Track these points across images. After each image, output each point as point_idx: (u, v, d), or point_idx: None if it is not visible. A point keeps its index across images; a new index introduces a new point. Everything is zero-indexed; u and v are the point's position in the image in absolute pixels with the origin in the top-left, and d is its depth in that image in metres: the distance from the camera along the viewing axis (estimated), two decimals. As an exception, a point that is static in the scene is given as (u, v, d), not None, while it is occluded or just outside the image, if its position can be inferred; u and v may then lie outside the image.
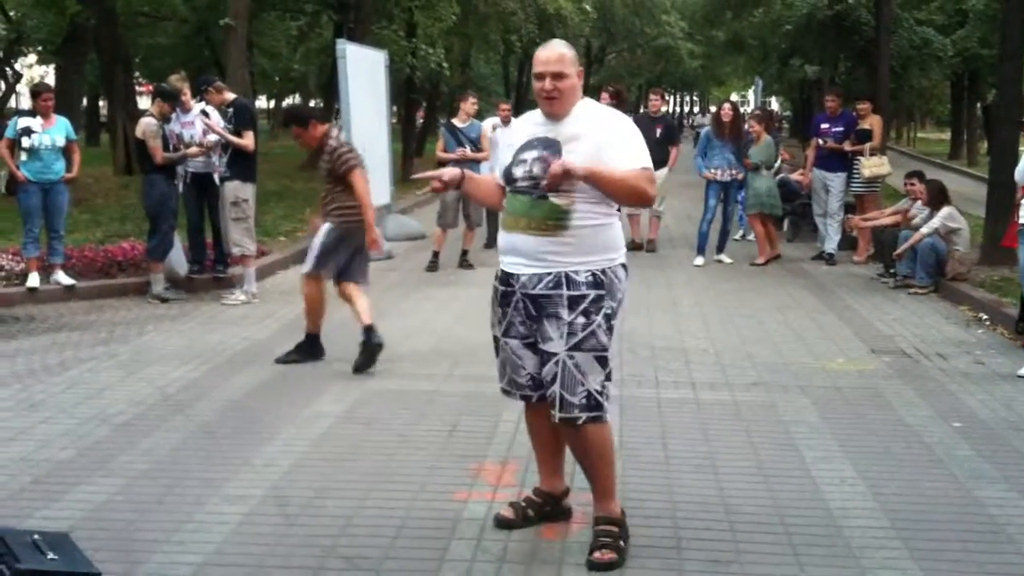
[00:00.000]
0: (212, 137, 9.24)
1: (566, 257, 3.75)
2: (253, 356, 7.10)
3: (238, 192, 9.04)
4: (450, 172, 4.11)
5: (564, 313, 3.75)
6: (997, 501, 4.52)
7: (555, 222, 3.75)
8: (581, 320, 3.74)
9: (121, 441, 5.24)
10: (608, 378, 3.85)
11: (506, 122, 12.09)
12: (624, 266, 3.92)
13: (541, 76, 3.80)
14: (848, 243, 12.33)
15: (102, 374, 6.59)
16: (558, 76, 3.78)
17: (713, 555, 3.92)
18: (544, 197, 3.75)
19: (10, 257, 9.58)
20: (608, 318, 3.80)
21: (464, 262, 11.25)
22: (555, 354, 3.76)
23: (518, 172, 3.85)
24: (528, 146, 3.86)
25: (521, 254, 3.82)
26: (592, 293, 3.77)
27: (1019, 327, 7.71)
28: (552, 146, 3.79)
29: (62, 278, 9.15)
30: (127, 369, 6.72)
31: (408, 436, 5.36)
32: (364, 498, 4.47)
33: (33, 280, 8.97)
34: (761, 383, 6.49)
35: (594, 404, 3.78)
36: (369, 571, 3.76)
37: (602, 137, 3.77)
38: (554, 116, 3.84)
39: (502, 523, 4.13)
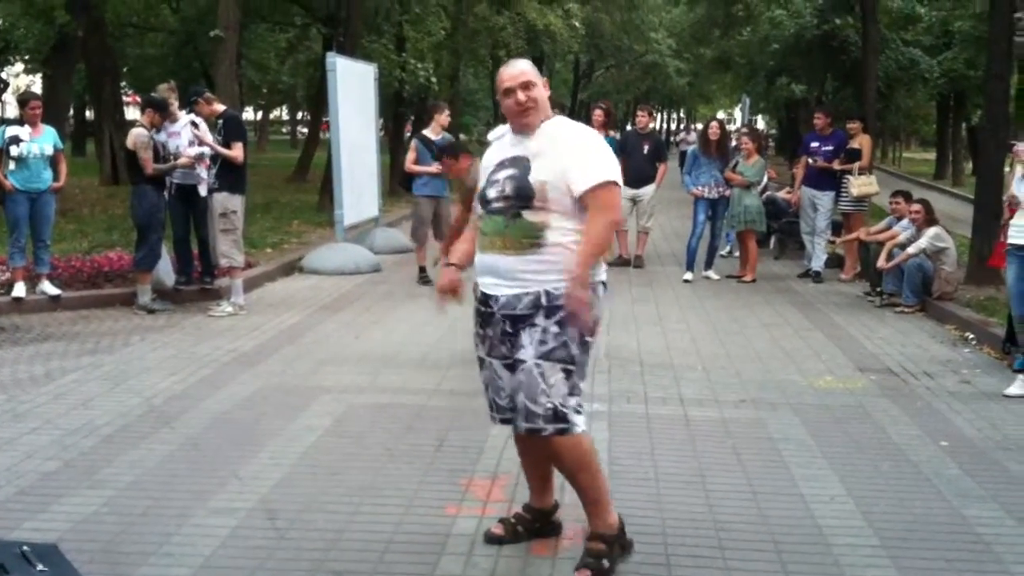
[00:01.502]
0: (198, 149, 9.22)
1: (544, 275, 3.71)
2: (240, 368, 7.07)
3: (226, 204, 9.02)
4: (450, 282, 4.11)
5: (539, 320, 3.72)
6: (984, 520, 4.53)
7: (531, 240, 3.72)
8: (554, 329, 3.70)
9: (107, 452, 5.21)
10: (572, 393, 3.76)
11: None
12: (604, 283, 3.88)
13: (511, 91, 3.80)
14: (835, 261, 12.39)
15: (88, 385, 6.55)
16: (527, 86, 3.78)
17: (702, 572, 3.92)
18: (518, 215, 3.73)
19: (-4, 266, 9.53)
20: (582, 333, 3.75)
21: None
22: (524, 362, 3.73)
23: (491, 193, 3.82)
24: (500, 166, 3.86)
25: (499, 275, 3.78)
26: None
27: (1006, 346, 7.75)
28: (520, 163, 3.78)
29: (48, 288, 9.11)
30: (113, 380, 6.69)
31: (397, 450, 5.34)
32: (353, 512, 4.45)
33: (19, 290, 8.92)
34: (749, 400, 6.50)
35: (561, 416, 3.72)
36: (358, 585, 3.74)
37: (562, 153, 3.74)
38: (529, 129, 3.82)
39: (492, 539, 4.11)
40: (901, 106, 28.66)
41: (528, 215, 3.71)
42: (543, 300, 3.70)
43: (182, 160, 9.23)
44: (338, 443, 5.45)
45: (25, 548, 3.24)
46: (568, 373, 3.74)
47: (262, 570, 3.85)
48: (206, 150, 9.22)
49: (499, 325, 3.80)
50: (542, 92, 3.83)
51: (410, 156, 11.24)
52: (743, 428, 5.87)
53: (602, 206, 3.71)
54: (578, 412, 3.78)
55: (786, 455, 5.38)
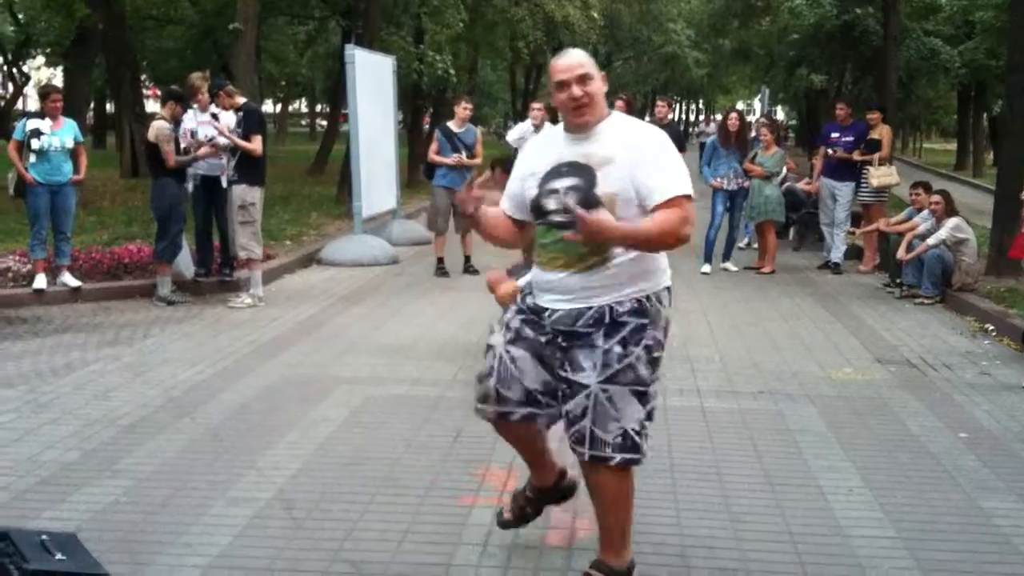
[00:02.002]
0: (221, 139, 9.26)
1: (610, 292, 3.38)
2: (258, 360, 7.10)
3: (245, 196, 9.06)
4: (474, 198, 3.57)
5: (599, 341, 3.37)
6: (1003, 512, 4.51)
7: (598, 258, 3.36)
8: (618, 350, 3.35)
9: (127, 443, 5.25)
10: (650, 417, 3.45)
11: (539, 128, 10.95)
12: (668, 288, 3.55)
13: (565, 84, 3.38)
14: (854, 253, 12.34)
15: (108, 376, 6.60)
16: (584, 80, 3.38)
17: (719, 563, 3.91)
18: None
19: (17, 258, 9.60)
20: (649, 350, 3.40)
21: (468, 268, 11.25)
22: (586, 386, 3.36)
23: (550, 204, 3.42)
24: (556, 173, 3.43)
25: (559, 292, 3.44)
26: (633, 322, 3.38)
27: (1026, 338, 7.70)
28: (584, 173, 3.36)
29: (69, 280, 9.17)
30: (133, 371, 6.73)
31: (413, 441, 5.36)
32: (370, 502, 4.47)
33: (40, 281, 8.99)
34: (767, 392, 6.49)
35: (630, 444, 3.38)
36: None
37: (636, 158, 3.33)
38: (584, 128, 3.42)
39: (505, 525, 4.01)
40: (922, 96, 28.48)
41: None
42: (606, 318, 3.38)
43: (202, 150, 9.26)
44: (355, 434, 5.47)
45: (44, 537, 3.26)
46: (640, 396, 3.40)
47: (279, 560, 3.87)
48: (221, 139, 9.25)
49: (546, 333, 3.49)
50: (600, 87, 3.43)
51: (432, 147, 11.40)
52: (760, 419, 5.86)
53: (681, 216, 3.29)
54: (647, 440, 3.46)
55: (804, 446, 5.37)
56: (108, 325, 8.23)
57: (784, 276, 11.50)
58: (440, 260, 11.18)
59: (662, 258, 3.51)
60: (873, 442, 5.49)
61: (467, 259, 11.29)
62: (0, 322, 8.21)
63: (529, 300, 3.58)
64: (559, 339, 3.46)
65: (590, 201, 3.29)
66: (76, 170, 9.19)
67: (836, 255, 11.92)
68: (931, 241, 9.87)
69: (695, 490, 4.70)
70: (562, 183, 3.40)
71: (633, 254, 3.37)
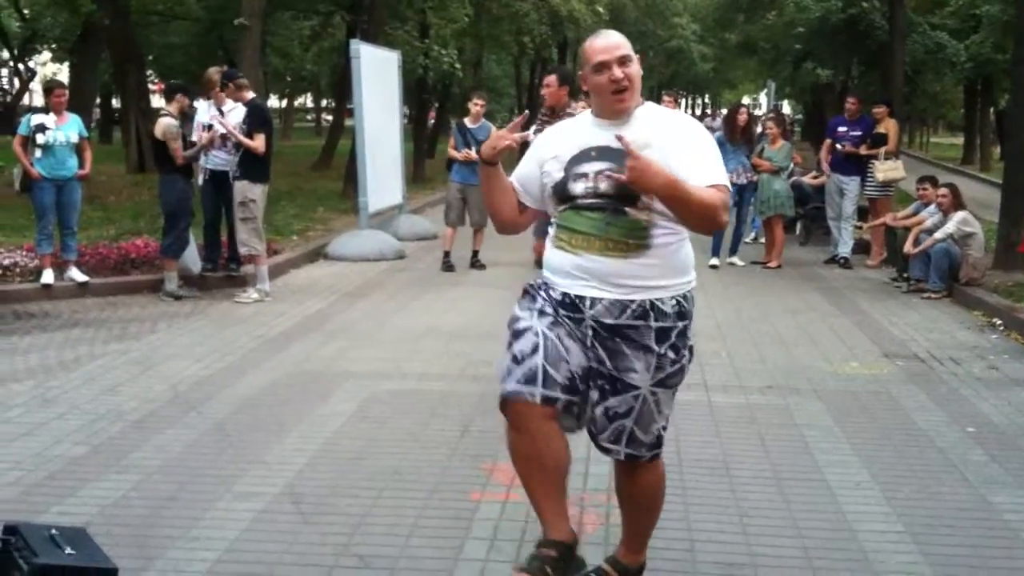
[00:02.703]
0: (214, 123, 9.27)
1: (651, 280, 3.21)
2: (265, 354, 7.11)
3: (246, 192, 9.05)
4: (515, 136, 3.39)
5: (653, 344, 3.23)
6: (1011, 506, 4.50)
7: (637, 240, 3.19)
8: (671, 355, 3.26)
9: (135, 438, 5.26)
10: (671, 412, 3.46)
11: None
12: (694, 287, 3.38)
13: (605, 66, 3.18)
14: (861, 247, 12.32)
15: (116, 371, 6.61)
16: (625, 61, 3.20)
17: (726, 558, 3.91)
18: (622, 212, 3.18)
19: (24, 254, 9.61)
20: (692, 351, 3.35)
21: (475, 262, 11.27)
22: (636, 387, 3.25)
23: (578, 188, 3.24)
24: (584, 157, 3.25)
25: (596, 278, 3.21)
26: (680, 324, 3.26)
27: (1033, 333, 7.69)
28: (617, 158, 3.13)
29: (76, 275, 9.19)
30: (141, 366, 6.74)
31: (421, 436, 5.36)
32: (378, 497, 4.48)
33: (47, 277, 9.00)
34: (774, 386, 6.48)
35: (660, 441, 3.41)
36: (383, 570, 3.76)
37: (673, 143, 3.17)
38: (621, 114, 3.24)
39: None
40: (928, 90, 28.42)
41: (633, 212, 3.18)
42: (652, 316, 3.21)
43: (204, 139, 9.26)
44: (362, 428, 5.48)
45: (54, 532, 3.26)
46: (674, 397, 3.40)
47: (287, 554, 3.88)
48: (219, 127, 9.25)
49: (590, 331, 3.24)
50: (639, 70, 3.26)
51: (450, 142, 11.70)
52: (768, 414, 5.86)
53: (721, 199, 3.14)
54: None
55: (811, 441, 5.36)
56: (115, 320, 8.24)
57: (791, 271, 11.49)
58: (447, 254, 11.20)
59: (691, 256, 3.35)
60: (880, 436, 5.48)
61: (475, 254, 11.31)
62: (8, 317, 8.23)
63: (553, 293, 3.31)
64: (601, 332, 3.23)
65: (624, 186, 3.10)
66: (81, 165, 9.20)
67: (844, 249, 11.90)
68: (938, 235, 9.85)
69: (703, 485, 4.70)
70: (592, 167, 3.22)
71: (671, 243, 3.22)
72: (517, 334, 3.33)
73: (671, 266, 3.25)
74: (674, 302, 3.25)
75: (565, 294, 3.27)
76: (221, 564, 3.79)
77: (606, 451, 3.40)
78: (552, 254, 3.35)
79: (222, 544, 3.96)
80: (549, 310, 3.31)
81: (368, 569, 3.77)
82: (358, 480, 4.68)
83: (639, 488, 3.49)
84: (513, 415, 3.29)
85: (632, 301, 3.20)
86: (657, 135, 3.18)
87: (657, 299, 3.22)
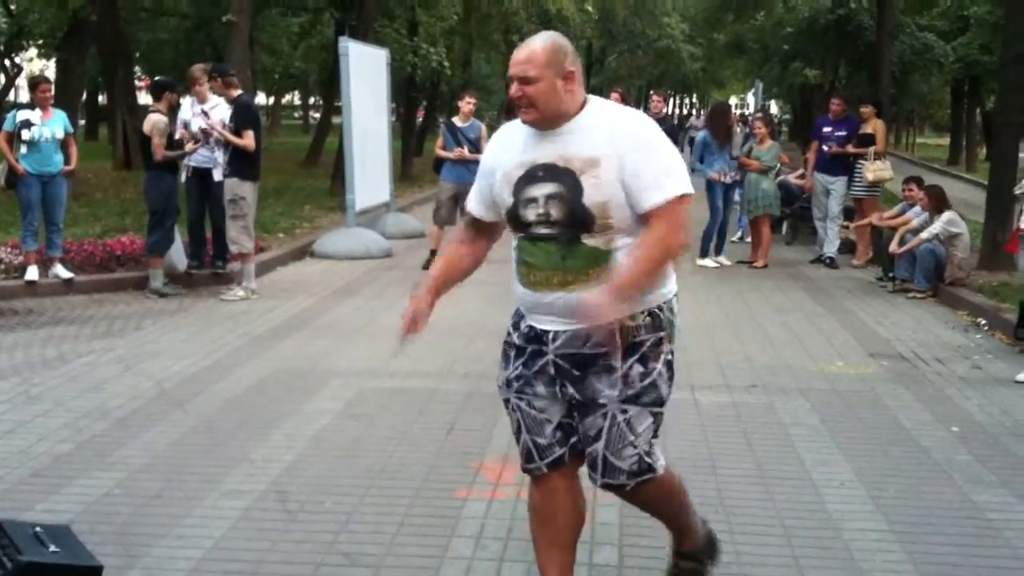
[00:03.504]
0: (201, 123, 9.24)
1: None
2: (252, 352, 7.10)
3: (236, 190, 9.03)
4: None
5: (615, 361, 3.05)
6: (995, 505, 4.52)
7: (599, 269, 2.99)
8: (639, 369, 3.06)
9: (120, 435, 5.24)
10: (656, 433, 3.18)
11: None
12: (676, 295, 3.21)
13: (513, 79, 3.03)
14: (847, 247, 12.36)
15: (101, 368, 6.59)
16: (524, 81, 2.99)
17: (712, 556, 3.92)
18: (577, 240, 3.00)
19: (9, 250, 9.57)
20: (669, 365, 3.14)
21: (463, 261, 11.24)
22: (602, 405, 3.08)
23: (529, 215, 3.05)
24: (531, 178, 3.04)
25: (558, 314, 3.07)
26: (651, 337, 3.08)
27: (1018, 332, 7.71)
28: (565, 178, 2.98)
29: (61, 271, 9.15)
30: (126, 363, 6.72)
31: (407, 433, 5.36)
32: (364, 495, 4.47)
33: (32, 273, 8.97)
34: (760, 385, 6.50)
35: (645, 467, 3.15)
36: (370, 568, 3.76)
37: (622, 155, 2.96)
38: (542, 128, 3.05)
39: None
40: (915, 91, 28.52)
41: (588, 239, 3.00)
42: (618, 337, 3.02)
43: (189, 147, 9.24)
44: (349, 426, 5.47)
45: (38, 529, 3.26)
46: (656, 415, 3.14)
47: (273, 552, 3.87)
48: (203, 124, 9.22)
49: (550, 367, 3.13)
50: (549, 87, 2.98)
51: (439, 142, 11.65)
52: (753, 413, 5.87)
53: (673, 223, 2.96)
54: (657, 457, 3.21)
55: (796, 440, 5.38)
56: (100, 317, 8.21)
57: (777, 270, 11.51)
58: (433, 252, 11.18)
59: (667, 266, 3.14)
60: (865, 436, 5.50)
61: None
62: (-8, 314, 8.20)
63: (523, 325, 3.22)
64: (567, 364, 3.10)
65: (576, 212, 2.96)
66: (67, 161, 9.16)
67: (831, 249, 11.93)
68: (924, 235, 9.89)
69: (688, 484, 4.68)
70: (540, 190, 3.02)
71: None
72: (504, 404, 3.32)
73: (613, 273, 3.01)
74: (645, 316, 3.07)
75: (530, 327, 3.17)
76: (206, 562, 3.78)
77: (590, 477, 3.22)
78: (515, 286, 3.22)
79: (207, 542, 3.95)
80: (517, 370, 3.21)
81: (354, 567, 3.77)
82: (344, 478, 4.68)
83: (646, 506, 3.38)
84: (532, 479, 3.32)
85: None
86: (603, 145, 2.98)
87: (628, 317, 3.01)
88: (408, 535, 4.06)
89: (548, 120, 3.03)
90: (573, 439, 3.21)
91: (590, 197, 2.96)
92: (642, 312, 3.06)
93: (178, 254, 9.61)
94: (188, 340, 7.44)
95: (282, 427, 5.42)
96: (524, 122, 3.09)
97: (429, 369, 6.74)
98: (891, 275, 10.38)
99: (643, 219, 2.99)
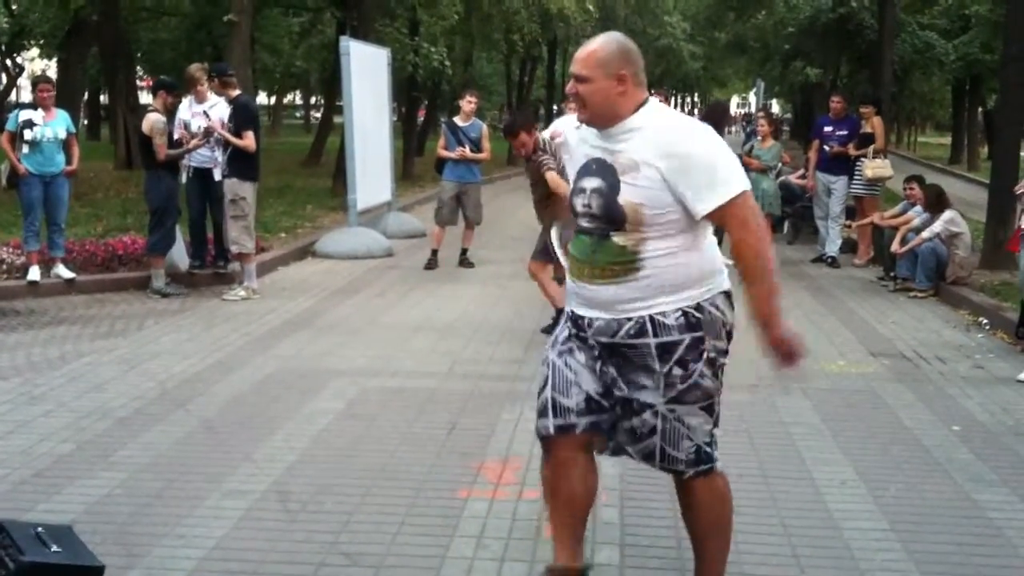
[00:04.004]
0: (203, 122, 9.24)
1: (647, 301, 3.11)
2: (253, 352, 7.10)
3: (236, 190, 9.03)
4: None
5: (655, 364, 3.13)
6: (996, 505, 4.52)
7: (624, 266, 3.11)
8: (679, 372, 3.13)
9: (122, 435, 5.25)
10: (716, 424, 3.29)
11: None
12: (727, 293, 3.26)
13: (571, 76, 3.19)
14: (849, 246, 12.36)
15: (102, 368, 6.59)
16: (579, 79, 3.13)
17: (713, 555, 3.91)
18: (605, 237, 3.13)
19: (11, 250, 9.57)
20: (712, 363, 3.17)
21: (464, 260, 11.27)
22: (651, 405, 3.17)
23: (578, 204, 3.21)
24: (586, 170, 3.20)
25: (593, 305, 3.20)
26: (687, 337, 3.12)
27: (1019, 331, 7.71)
28: (607, 173, 3.12)
29: (63, 271, 9.16)
30: (128, 363, 6.72)
31: (408, 434, 5.36)
32: (365, 495, 4.48)
33: (34, 273, 8.97)
34: (761, 385, 6.49)
35: (704, 457, 3.25)
36: (370, 568, 3.76)
37: (669, 166, 3.03)
38: (594, 127, 3.19)
39: None
40: (916, 90, 28.50)
41: (618, 237, 3.11)
42: (650, 332, 3.11)
43: (192, 143, 9.25)
44: (350, 426, 5.48)
45: (40, 529, 3.26)
46: (709, 408, 3.23)
47: (274, 552, 3.88)
48: (204, 124, 9.23)
49: (595, 349, 3.24)
50: (601, 88, 3.11)
51: (440, 142, 11.61)
52: (754, 412, 5.87)
53: (742, 222, 3.07)
54: (716, 446, 3.32)
55: (797, 439, 5.38)
56: (102, 317, 8.22)
57: (778, 269, 11.48)
58: (434, 252, 11.19)
59: (711, 264, 3.21)
60: (866, 435, 5.50)
61: (464, 251, 11.31)
62: (-6, 314, 8.21)
63: (569, 308, 3.35)
64: (604, 352, 3.22)
65: (611, 210, 3.09)
66: (69, 161, 9.16)
67: (832, 249, 11.93)
68: (925, 234, 9.88)
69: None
70: (589, 183, 3.17)
71: (666, 262, 3.10)
72: (541, 364, 3.42)
73: (671, 282, 3.11)
74: (679, 315, 3.12)
75: (573, 311, 3.30)
76: (208, 562, 3.78)
77: (647, 463, 3.33)
78: (568, 272, 3.39)
79: (209, 542, 3.95)
80: (564, 334, 3.34)
81: (355, 567, 3.78)
82: (346, 478, 4.68)
83: (695, 506, 3.36)
84: (544, 446, 3.39)
85: (628, 319, 3.13)
86: (651, 155, 3.05)
87: (658, 314, 3.11)
88: (409, 535, 4.06)
89: (598, 119, 3.16)
90: (594, 418, 3.27)
91: (625, 197, 3.07)
92: (675, 311, 3.12)
93: (180, 254, 9.62)
94: (190, 340, 7.45)
95: (283, 427, 5.43)
96: (578, 120, 3.25)
97: (430, 369, 6.74)
98: (892, 274, 10.38)
99: (705, 220, 3.11)
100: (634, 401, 3.20)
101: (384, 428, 5.45)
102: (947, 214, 9.99)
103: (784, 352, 3.21)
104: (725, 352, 3.24)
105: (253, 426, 5.43)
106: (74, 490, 4.48)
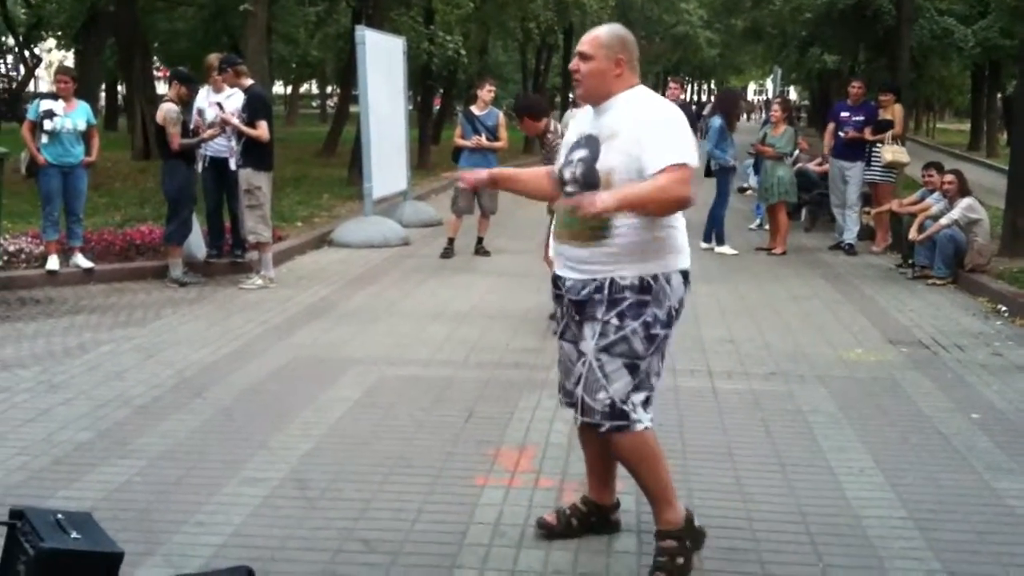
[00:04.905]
0: (218, 113, 9.26)
1: (610, 265, 3.49)
2: (271, 340, 7.12)
3: (251, 180, 9.04)
4: (474, 176, 4.09)
5: (599, 313, 3.51)
6: (1015, 492, 4.50)
7: (594, 231, 3.48)
8: (615, 322, 3.49)
9: (140, 423, 5.28)
10: (638, 389, 3.54)
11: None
12: (683, 273, 3.59)
13: (575, 54, 3.62)
14: (866, 233, 12.30)
15: (121, 357, 6.63)
16: (582, 56, 3.57)
17: (731, 543, 3.92)
18: None
19: (30, 240, 9.63)
20: (648, 326, 3.49)
21: (480, 249, 11.27)
22: (584, 354, 3.56)
23: (566, 174, 3.64)
24: (576, 145, 3.64)
25: (570, 263, 3.60)
26: (633, 297, 3.48)
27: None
28: (592, 144, 3.55)
29: (81, 261, 9.20)
30: (146, 352, 6.76)
31: (425, 421, 5.37)
32: (383, 482, 4.49)
33: (52, 263, 9.01)
34: (779, 373, 6.48)
35: (618, 413, 3.52)
36: (388, 554, 3.78)
37: (637, 133, 3.43)
38: (589, 103, 3.65)
39: (543, 527, 3.93)
40: (935, 76, 28.28)
41: None
42: (606, 290, 3.50)
43: (206, 133, 9.26)
44: (367, 414, 5.49)
45: (60, 516, 3.28)
46: (632, 369, 3.51)
47: (292, 539, 3.89)
48: (218, 114, 9.24)
49: (568, 308, 3.65)
50: (599, 68, 3.54)
51: (457, 131, 11.66)
52: (772, 401, 5.86)
53: (674, 177, 3.34)
54: (644, 408, 3.57)
55: (815, 428, 5.37)
56: (121, 306, 8.25)
57: (795, 257, 11.47)
58: (450, 240, 11.19)
59: (674, 244, 3.56)
60: (884, 423, 5.48)
61: (479, 240, 11.32)
62: (14, 303, 8.25)
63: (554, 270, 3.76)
64: (573, 311, 3.61)
65: (590, 175, 3.50)
66: (88, 152, 9.20)
67: (849, 236, 11.88)
68: (944, 221, 9.83)
69: (707, 471, 4.71)
70: (576, 154, 3.60)
71: (636, 231, 3.46)
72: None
73: (636, 251, 3.47)
74: (635, 279, 3.49)
75: (555, 273, 3.71)
76: (226, 548, 3.80)
77: (579, 417, 3.66)
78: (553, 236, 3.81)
79: (227, 528, 3.97)
80: (559, 311, 3.77)
81: (372, 553, 3.79)
82: (363, 465, 4.70)
83: (617, 454, 3.71)
84: None
85: (593, 279, 3.52)
86: (627, 121, 3.48)
87: (618, 276, 3.49)
88: (426, 522, 4.07)
89: (592, 95, 3.61)
90: None
91: (602, 162, 3.49)
92: (632, 276, 3.48)
93: (197, 243, 9.65)
94: (207, 329, 7.47)
95: (300, 415, 5.44)
96: (575, 95, 3.72)
97: (447, 357, 6.75)
98: (911, 262, 10.32)
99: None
100: (579, 353, 3.62)
101: (401, 416, 5.46)
102: (965, 201, 9.92)
103: (582, 205, 3.29)
104: (665, 324, 3.55)
105: (270, 414, 5.45)
106: (93, 477, 4.51)
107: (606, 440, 3.64)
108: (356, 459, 4.78)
